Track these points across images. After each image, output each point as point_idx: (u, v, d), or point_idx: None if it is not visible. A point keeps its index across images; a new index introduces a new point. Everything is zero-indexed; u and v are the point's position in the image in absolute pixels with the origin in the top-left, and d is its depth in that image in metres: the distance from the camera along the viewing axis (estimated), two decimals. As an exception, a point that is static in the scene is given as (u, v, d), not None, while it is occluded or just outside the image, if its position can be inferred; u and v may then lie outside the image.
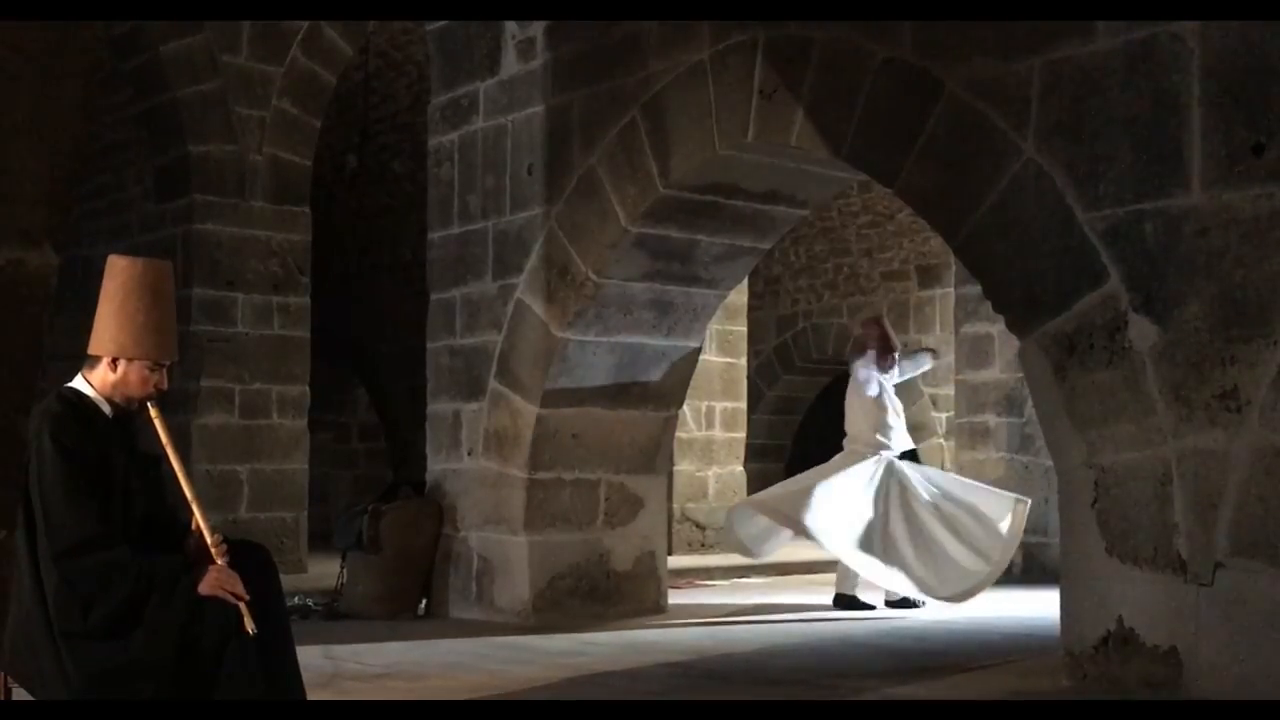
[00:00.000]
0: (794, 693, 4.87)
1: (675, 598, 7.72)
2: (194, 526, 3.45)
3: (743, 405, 12.09)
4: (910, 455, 7.76)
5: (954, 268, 10.70)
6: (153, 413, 3.52)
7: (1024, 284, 4.69)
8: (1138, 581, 4.32)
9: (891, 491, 7.25)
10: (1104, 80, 4.43)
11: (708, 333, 8.73)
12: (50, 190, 1.78)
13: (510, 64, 7.17)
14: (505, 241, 7.13)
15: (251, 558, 3.49)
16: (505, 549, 6.98)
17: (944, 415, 13.43)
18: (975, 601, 7.50)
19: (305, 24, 9.52)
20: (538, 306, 6.88)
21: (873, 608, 7.45)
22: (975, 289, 8.26)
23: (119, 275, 3.49)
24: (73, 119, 1.83)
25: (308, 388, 9.73)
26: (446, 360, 7.49)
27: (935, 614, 7.24)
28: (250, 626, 3.26)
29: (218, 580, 3.30)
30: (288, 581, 3.77)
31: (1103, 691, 4.42)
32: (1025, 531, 7.71)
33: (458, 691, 4.86)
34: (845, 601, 7.50)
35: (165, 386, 3.57)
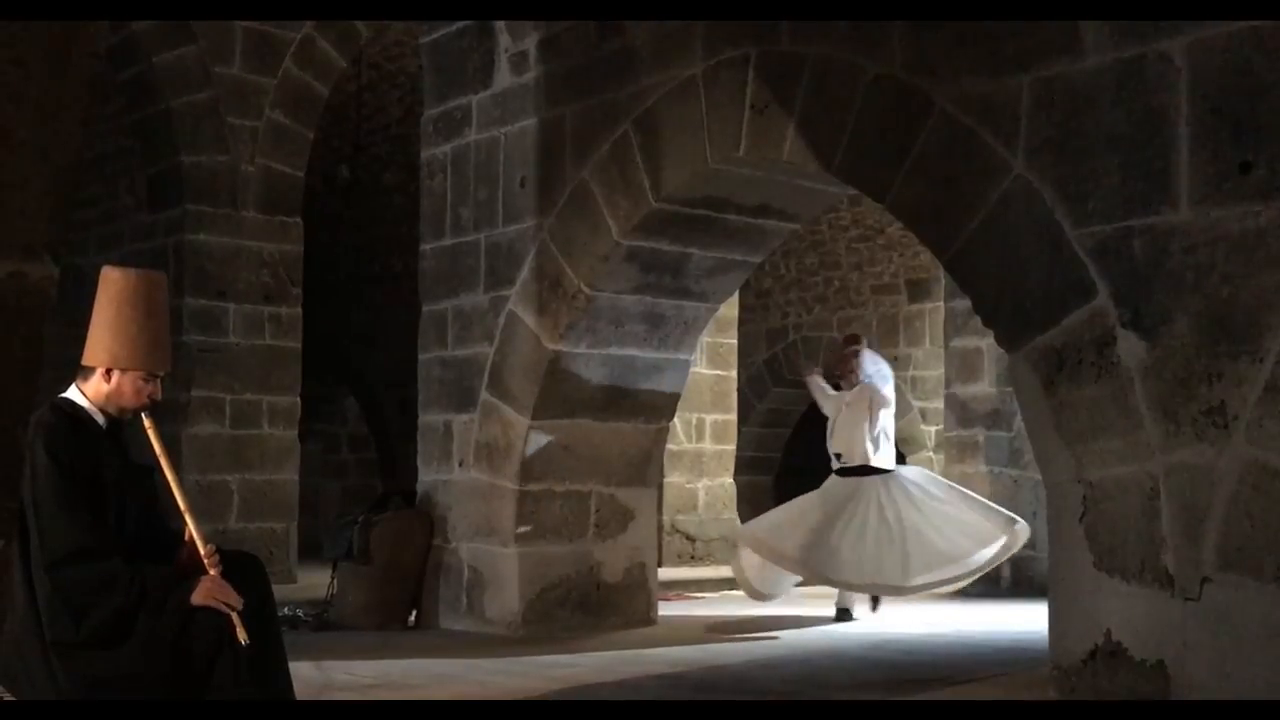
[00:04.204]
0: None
1: (665, 609, 7.73)
2: (187, 537, 3.45)
3: (733, 418, 12.10)
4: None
5: (944, 282, 10.74)
6: (147, 423, 3.53)
7: (1013, 299, 4.72)
8: (1125, 596, 4.34)
9: (878, 499, 7.30)
10: (1093, 98, 4.46)
11: (698, 345, 8.75)
12: (51, 204, 1.81)
13: (503, 77, 7.20)
14: (497, 253, 7.14)
15: (244, 568, 3.50)
16: (495, 560, 6.98)
17: (933, 429, 13.47)
18: (964, 615, 7.53)
19: (298, 35, 9.55)
20: (529, 318, 6.90)
21: (854, 619, 7.51)
22: (965, 303, 8.30)
23: (113, 286, 3.49)
24: (73, 135, 1.85)
25: (299, 398, 9.73)
26: (438, 371, 7.50)
27: (925, 627, 7.25)
28: (243, 637, 3.27)
29: (210, 590, 3.30)
30: (277, 592, 3.78)
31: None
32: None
33: (448, 703, 4.87)
34: (845, 615, 7.55)
35: (159, 397, 3.58)
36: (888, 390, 7.53)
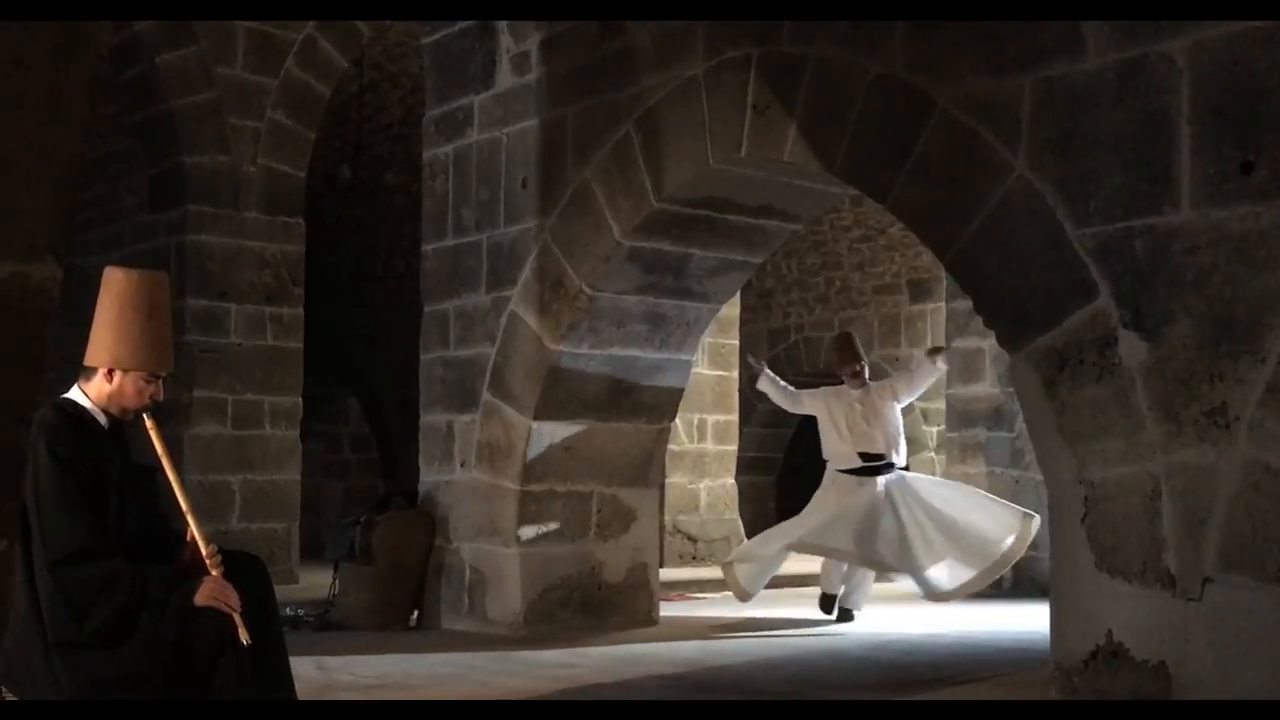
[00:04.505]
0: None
1: (666, 610, 7.73)
2: (189, 537, 3.46)
3: (734, 418, 12.10)
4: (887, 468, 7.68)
5: (945, 282, 10.74)
6: (149, 424, 3.53)
7: (1015, 300, 4.72)
8: (1127, 596, 4.34)
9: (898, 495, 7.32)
10: (1095, 99, 4.46)
11: (700, 346, 8.75)
12: (54, 205, 1.81)
13: (505, 77, 7.20)
14: (499, 254, 7.15)
15: (246, 569, 3.51)
16: (497, 560, 6.99)
17: (934, 429, 13.47)
18: (966, 615, 7.53)
19: (300, 36, 9.56)
20: (531, 319, 6.91)
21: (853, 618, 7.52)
22: (966, 304, 8.28)
23: (115, 287, 3.50)
24: (76, 136, 1.85)
25: (300, 399, 9.73)
26: (440, 372, 7.50)
27: (926, 628, 7.25)
28: (245, 637, 3.27)
29: (212, 591, 3.31)
30: (279, 592, 3.78)
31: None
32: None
33: (449, 703, 4.87)
34: (830, 603, 7.58)
35: (161, 397, 3.59)
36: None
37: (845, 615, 7.56)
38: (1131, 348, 4.32)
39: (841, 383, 7.66)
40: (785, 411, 16.63)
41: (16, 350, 1.83)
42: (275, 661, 3.46)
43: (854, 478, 7.42)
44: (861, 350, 7.81)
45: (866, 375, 7.65)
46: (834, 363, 7.86)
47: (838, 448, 7.54)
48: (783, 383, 7.99)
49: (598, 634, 6.86)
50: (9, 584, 2.07)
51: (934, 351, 7.81)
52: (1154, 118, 4.29)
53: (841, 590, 7.61)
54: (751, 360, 8.34)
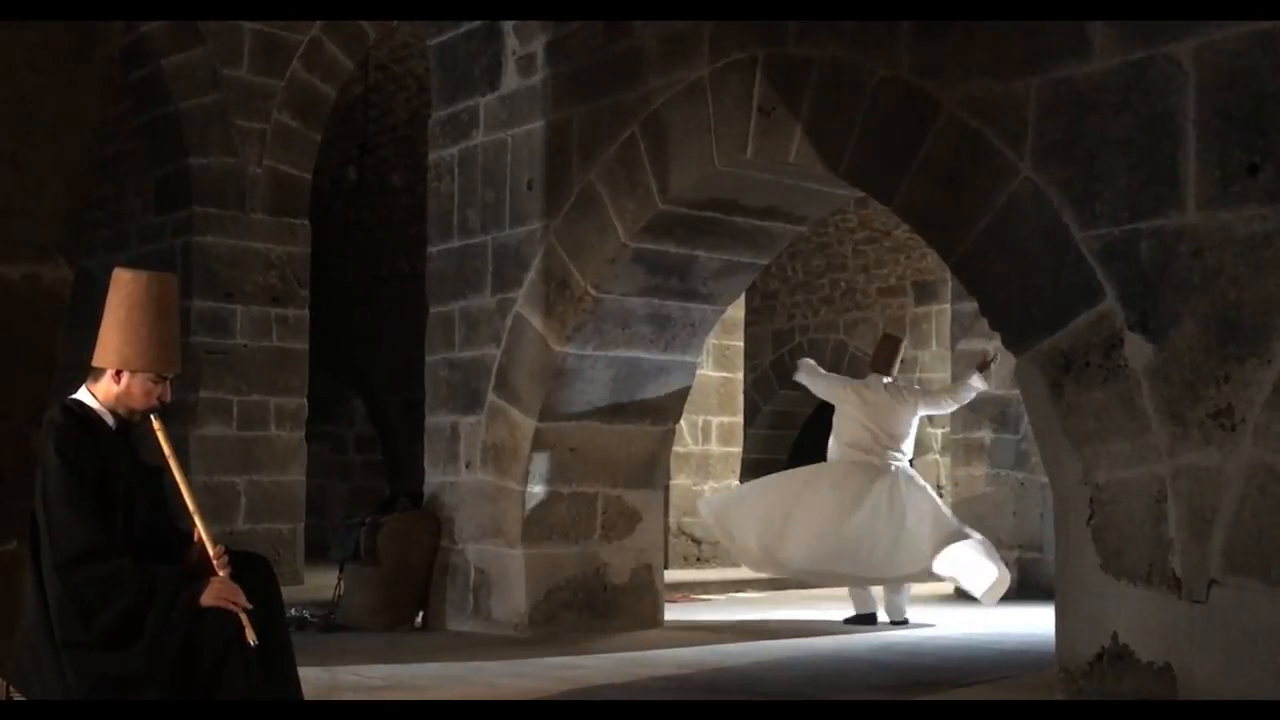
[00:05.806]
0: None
1: (671, 611, 7.73)
2: (196, 538, 3.47)
3: (739, 420, 12.11)
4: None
5: (950, 284, 10.74)
6: (155, 425, 3.55)
7: (1020, 301, 4.72)
8: (1132, 598, 4.34)
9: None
10: (1100, 101, 4.46)
11: (705, 347, 8.76)
12: (65, 206, 1.82)
13: (511, 79, 7.21)
14: (504, 255, 7.16)
15: (253, 569, 3.52)
16: (502, 562, 6.99)
17: (939, 431, 13.46)
18: (970, 617, 7.53)
19: (306, 38, 9.58)
20: (536, 320, 6.91)
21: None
22: (971, 305, 8.30)
23: (124, 288, 3.52)
24: (88, 135, 1.86)
25: (305, 400, 9.75)
26: (445, 373, 7.51)
27: (931, 630, 7.26)
28: (252, 638, 3.29)
29: (219, 591, 3.32)
30: (285, 593, 3.79)
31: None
32: (1021, 547, 7.77)
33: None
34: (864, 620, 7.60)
35: (168, 398, 3.60)
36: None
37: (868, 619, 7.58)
38: (1137, 350, 4.32)
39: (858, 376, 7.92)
40: (789, 413, 16.61)
41: (28, 351, 1.83)
42: (281, 662, 3.48)
43: (862, 466, 7.46)
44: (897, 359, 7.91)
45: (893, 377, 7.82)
46: (880, 361, 7.89)
47: (853, 436, 7.60)
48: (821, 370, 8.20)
49: (603, 635, 6.87)
50: (19, 583, 2.07)
51: (983, 366, 7.95)
52: (1160, 120, 4.30)
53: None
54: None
